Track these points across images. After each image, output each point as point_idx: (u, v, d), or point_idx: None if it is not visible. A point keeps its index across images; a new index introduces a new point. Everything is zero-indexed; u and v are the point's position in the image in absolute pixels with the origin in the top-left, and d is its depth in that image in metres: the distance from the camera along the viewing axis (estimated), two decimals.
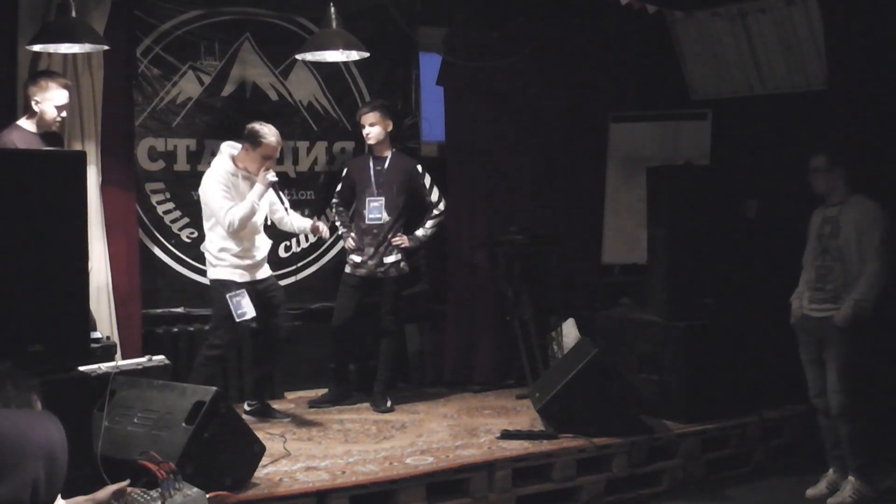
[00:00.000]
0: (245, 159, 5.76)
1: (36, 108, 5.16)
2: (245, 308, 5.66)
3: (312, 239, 6.79)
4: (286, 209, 6.01)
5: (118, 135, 5.93)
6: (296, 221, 6.13)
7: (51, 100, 5.15)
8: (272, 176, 5.74)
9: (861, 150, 6.18)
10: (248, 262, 5.79)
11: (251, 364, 6.29)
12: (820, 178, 5.42)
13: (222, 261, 5.72)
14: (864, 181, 5.48)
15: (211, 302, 5.87)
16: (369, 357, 6.71)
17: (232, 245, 5.71)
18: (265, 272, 5.95)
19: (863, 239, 5.23)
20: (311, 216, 6.86)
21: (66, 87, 5.23)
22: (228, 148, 5.81)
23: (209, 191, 5.69)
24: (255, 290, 5.81)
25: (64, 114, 5.27)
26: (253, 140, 5.71)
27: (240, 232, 5.70)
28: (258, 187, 5.69)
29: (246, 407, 6.02)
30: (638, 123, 7.48)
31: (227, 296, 5.63)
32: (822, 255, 5.38)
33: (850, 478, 5.34)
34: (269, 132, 5.72)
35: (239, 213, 5.63)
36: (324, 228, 6.14)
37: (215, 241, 5.74)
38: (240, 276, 5.74)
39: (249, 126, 5.78)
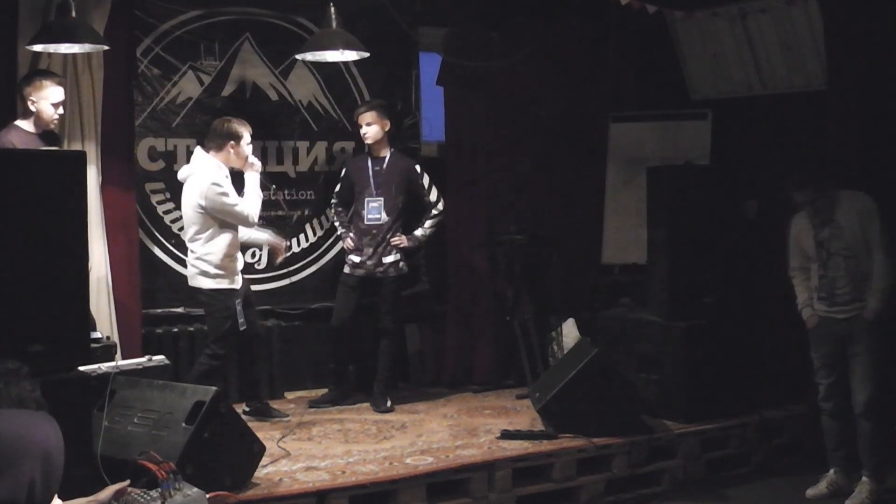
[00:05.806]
0: (230, 157, 5.73)
1: (32, 107, 5.16)
2: (243, 317, 5.69)
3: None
4: None
5: (118, 135, 5.92)
6: (252, 232, 6.02)
7: (47, 98, 5.16)
8: (257, 159, 5.88)
9: (861, 150, 6.18)
10: (240, 265, 5.81)
11: (239, 368, 6.10)
12: (805, 196, 5.34)
13: (224, 269, 5.65)
14: (841, 175, 5.45)
15: (210, 312, 5.73)
16: (369, 357, 6.70)
17: (234, 251, 5.72)
18: None
19: (866, 228, 5.21)
20: (310, 216, 6.88)
21: (60, 83, 5.23)
22: (205, 152, 5.72)
23: (216, 199, 5.55)
24: (242, 292, 5.80)
25: (61, 110, 5.27)
26: (235, 136, 5.70)
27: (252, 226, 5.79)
28: (254, 175, 5.79)
29: (245, 407, 6.01)
30: (638, 123, 7.47)
31: (237, 302, 5.63)
32: (828, 261, 5.31)
33: (865, 479, 5.29)
34: (240, 122, 5.77)
35: (252, 206, 5.71)
36: (281, 247, 6.22)
37: (217, 251, 5.62)
38: (239, 283, 5.75)
39: (224, 126, 5.71)
